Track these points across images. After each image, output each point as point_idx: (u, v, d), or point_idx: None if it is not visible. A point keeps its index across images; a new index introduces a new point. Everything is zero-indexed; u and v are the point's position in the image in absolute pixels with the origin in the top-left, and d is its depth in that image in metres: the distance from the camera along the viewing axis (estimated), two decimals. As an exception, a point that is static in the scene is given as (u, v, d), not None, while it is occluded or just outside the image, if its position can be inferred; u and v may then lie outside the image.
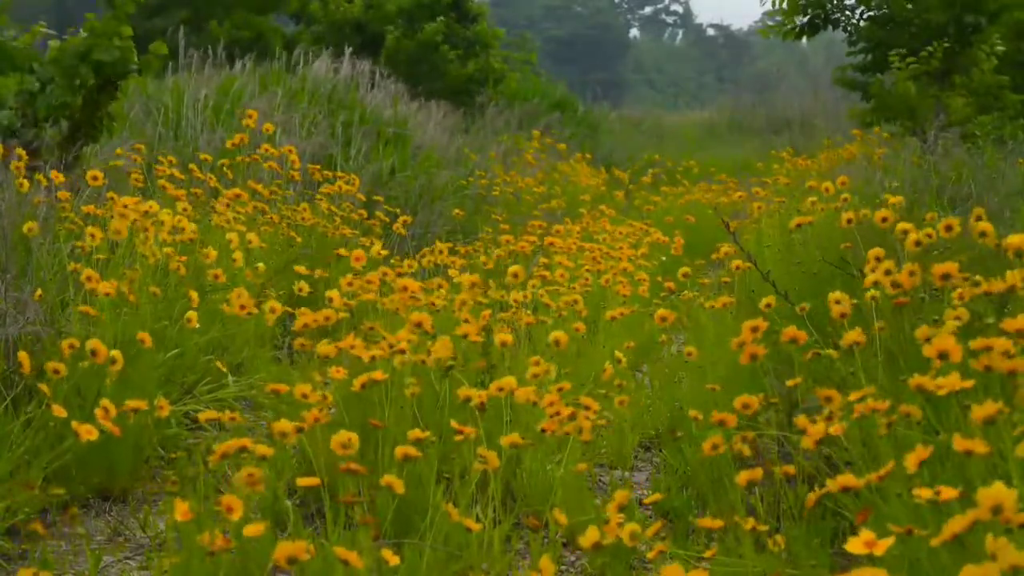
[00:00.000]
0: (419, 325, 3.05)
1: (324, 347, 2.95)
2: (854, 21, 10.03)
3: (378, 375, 2.62)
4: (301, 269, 4.43)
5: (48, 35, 5.51)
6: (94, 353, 2.78)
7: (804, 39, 10.12)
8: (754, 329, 2.51)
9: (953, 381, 1.87)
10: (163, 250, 3.98)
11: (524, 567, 2.52)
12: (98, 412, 2.49)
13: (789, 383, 2.76)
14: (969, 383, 1.88)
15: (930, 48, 8.69)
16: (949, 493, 1.57)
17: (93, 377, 3.02)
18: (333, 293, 3.63)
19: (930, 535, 1.51)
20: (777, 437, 2.87)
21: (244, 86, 8.71)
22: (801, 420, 2.18)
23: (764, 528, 2.02)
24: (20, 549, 2.64)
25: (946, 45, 8.74)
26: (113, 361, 2.83)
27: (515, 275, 4.12)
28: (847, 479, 1.80)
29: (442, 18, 15.11)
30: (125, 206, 3.85)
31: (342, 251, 4.90)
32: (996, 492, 1.44)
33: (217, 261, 4.14)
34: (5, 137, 4.98)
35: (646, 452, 3.91)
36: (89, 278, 3.34)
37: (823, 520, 2.55)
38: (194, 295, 3.76)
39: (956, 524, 1.44)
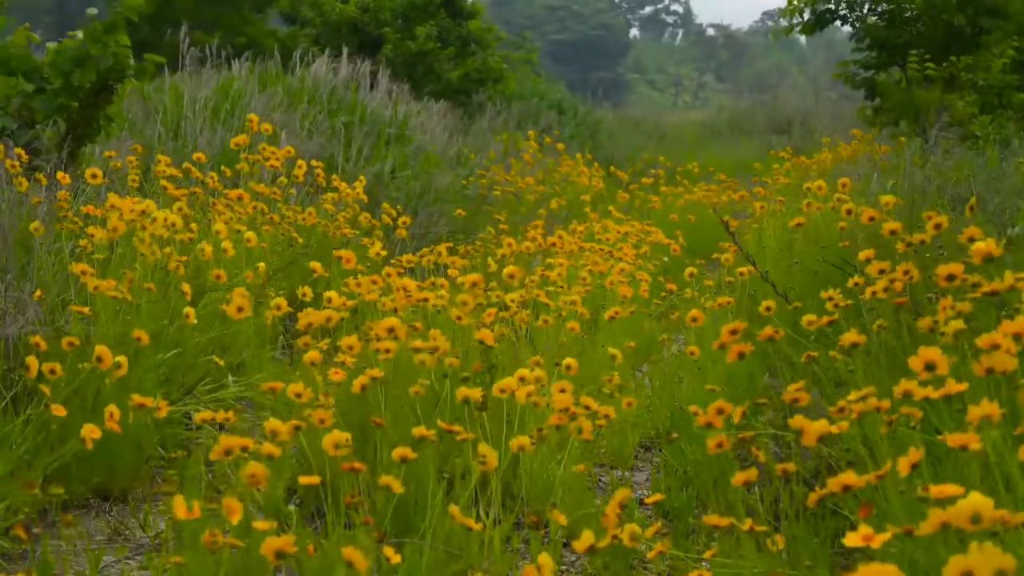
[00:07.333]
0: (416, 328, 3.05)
1: (313, 354, 2.91)
2: (861, 17, 10.02)
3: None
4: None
5: (35, 38, 5.47)
6: (99, 359, 2.78)
7: (805, 36, 10.12)
8: (733, 332, 2.48)
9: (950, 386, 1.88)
10: (164, 250, 3.98)
11: (524, 566, 2.52)
12: (105, 416, 2.49)
13: (790, 389, 2.76)
14: (963, 386, 1.89)
15: (953, 59, 8.70)
16: (951, 490, 1.56)
17: (93, 377, 3.02)
18: (332, 293, 3.60)
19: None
20: (775, 437, 2.87)
21: (243, 87, 8.69)
22: (797, 420, 2.17)
23: (764, 528, 2.02)
24: (20, 549, 2.64)
25: (967, 58, 8.75)
26: (118, 366, 2.83)
27: (511, 276, 4.12)
28: (848, 478, 1.80)
29: (432, 23, 15.04)
30: (112, 206, 3.86)
31: (342, 252, 4.84)
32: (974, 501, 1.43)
33: (213, 258, 4.12)
34: (1, 138, 4.97)
35: (646, 452, 3.91)
36: (84, 272, 3.33)
37: (823, 520, 2.54)
38: (187, 288, 3.75)
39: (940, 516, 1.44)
